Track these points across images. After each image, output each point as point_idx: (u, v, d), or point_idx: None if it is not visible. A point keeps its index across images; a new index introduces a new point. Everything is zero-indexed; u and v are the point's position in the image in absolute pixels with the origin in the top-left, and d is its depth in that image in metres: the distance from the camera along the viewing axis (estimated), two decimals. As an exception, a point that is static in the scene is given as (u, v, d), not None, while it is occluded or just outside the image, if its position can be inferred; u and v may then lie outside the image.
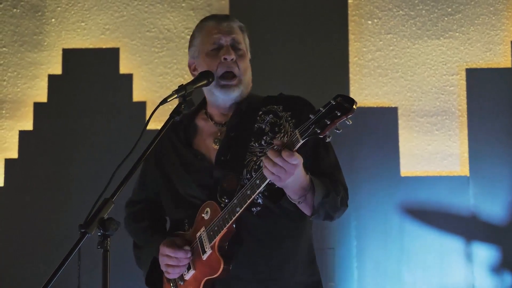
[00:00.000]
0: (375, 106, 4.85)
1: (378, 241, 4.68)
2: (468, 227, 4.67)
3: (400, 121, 4.83)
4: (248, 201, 2.30)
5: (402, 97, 4.89)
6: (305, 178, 2.29)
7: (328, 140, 2.12)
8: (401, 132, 4.82)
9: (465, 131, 4.79)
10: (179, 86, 2.36)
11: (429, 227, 4.68)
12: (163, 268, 2.54)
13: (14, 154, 4.88)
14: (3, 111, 4.97)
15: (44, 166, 4.84)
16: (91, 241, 2.09)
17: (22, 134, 4.88)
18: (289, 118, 2.49)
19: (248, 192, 2.30)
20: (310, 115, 2.10)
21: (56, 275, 2.01)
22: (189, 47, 2.69)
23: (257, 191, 2.28)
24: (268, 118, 2.53)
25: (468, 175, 4.73)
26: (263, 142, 2.48)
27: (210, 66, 2.54)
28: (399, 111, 4.84)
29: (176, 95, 2.32)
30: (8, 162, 4.86)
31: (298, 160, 2.16)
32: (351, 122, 2.06)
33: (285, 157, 2.13)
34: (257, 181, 2.27)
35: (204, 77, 2.46)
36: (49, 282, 2.01)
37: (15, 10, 5.05)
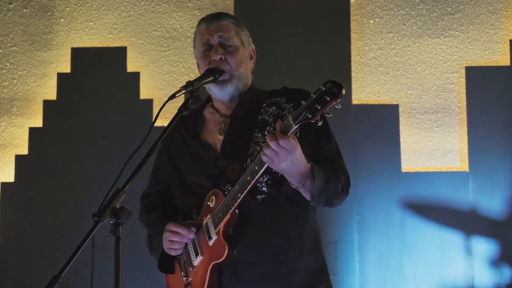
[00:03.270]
0: (376, 103, 4.91)
1: (379, 235, 4.72)
2: (468, 222, 4.71)
3: (401, 118, 4.88)
4: (248, 187, 2.37)
5: (403, 94, 4.94)
6: (304, 165, 2.36)
7: (319, 124, 2.19)
8: (402, 129, 4.87)
9: (465, 128, 4.84)
10: (186, 82, 2.44)
11: (429, 221, 4.72)
12: (165, 244, 2.63)
13: (24, 150, 4.92)
14: (14, 109, 5.02)
15: (54, 162, 4.87)
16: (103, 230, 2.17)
17: (32, 131, 4.92)
18: (292, 110, 2.53)
19: (248, 178, 2.38)
20: (302, 101, 2.18)
21: (70, 262, 2.07)
22: (194, 48, 2.81)
23: (256, 177, 2.35)
24: (271, 110, 2.61)
25: (467, 170, 4.78)
26: (266, 133, 2.54)
27: (204, 66, 2.65)
28: (400, 108, 4.89)
29: (184, 91, 2.42)
30: (19, 158, 4.89)
31: (291, 145, 2.24)
32: (340, 106, 2.14)
33: (279, 141, 2.22)
34: (256, 167, 2.35)
35: (211, 73, 2.56)
36: (63, 269, 2.06)
37: (25, 10, 5.11)
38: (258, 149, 2.52)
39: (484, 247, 4.69)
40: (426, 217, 4.74)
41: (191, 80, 2.48)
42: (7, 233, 4.83)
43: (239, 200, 2.42)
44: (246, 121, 2.64)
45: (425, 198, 4.78)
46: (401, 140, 4.85)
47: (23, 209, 4.86)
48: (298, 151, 2.29)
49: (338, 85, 2.14)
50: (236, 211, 2.47)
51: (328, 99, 2.13)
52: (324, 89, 2.14)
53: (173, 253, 2.65)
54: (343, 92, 2.13)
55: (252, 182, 2.37)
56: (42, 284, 2.02)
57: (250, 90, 2.73)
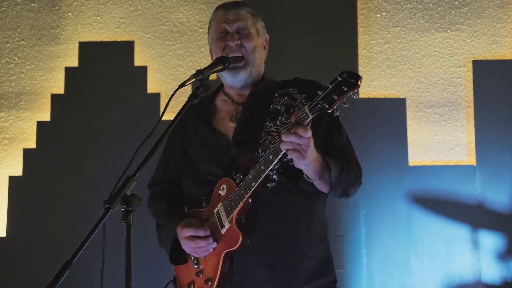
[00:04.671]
0: (383, 97, 4.91)
1: (386, 229, 4.72)
2: (475, 215, 4.71)
3: (408, 112, 4.87)
4: (263, 176, 2.39)
5: (410, 88, 4.94)
6: (319, 156, 2.39)
7: (336, 114, 2.21)
8: (409, 123, 4.86)
9: (472, 122, 4.83)
10: (196, 71, 2.46)
11: (436, 215, 4.71)
12: (188, 250, 2.64)
13: (32, 144, 4.93)
14: (22, 103, 5.03)
15: (61, 155, 4.88)
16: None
17: (40, 125, 4.93)
18: (304, 100, 2.55)
19: (262, 167, 2.39)
20: (318, 92, 2.19)
21: (82, 248, 2.09)
22: (208, 34, 2.83)
23: (271, 166, 2.36)
24: (283, 100, 2.62)
25: (474, 164, 4.77)
26: (278, 123, 2.56)
27: (218, 51, 2.68)
28: (407, 102, 4.89)
29: (194, 79, 2.44)
30: (27, 152, 4.90)
31: (310, 133, 2.25)
32: (357, 96, 2.16)
33: (299, 132, 2.22)
34: (270, 157, 2.36)
35: (220, 62, 2.58)
36: (75, 255, 2.09)
37: (32, 4, 5.12)
38: (269, 138, 2.53)
39: (491, 241, 4.68)
40: (433, 211, 4.73)
41: (201, 68, 2.49)
42: (15, 226, 4.83)
43: (252, 189, 2.43)
44: (258, 110, 2.65)
45: (432, 192, 4.77)
46: (408, 134, 4.84)
47: (31, 202, 4.86)
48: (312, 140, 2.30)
49: (355, 75, 2.15)
50: (249, 200, 2.48)
51: (345, 89, 2.14)
52: (340, 79, 2.16)
53: (200, 255, 2.64)
54: (360, 82, 2.14)
55: (267, 171, 2.38)
56: (49, 277, 2.03)
57: (262, 79, 2.75)
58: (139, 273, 4.53)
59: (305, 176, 2.43)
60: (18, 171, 4.91)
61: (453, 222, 4.72)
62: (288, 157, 2.31)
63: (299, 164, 2.33)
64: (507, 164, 4.76)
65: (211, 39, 2.77)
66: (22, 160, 4.91)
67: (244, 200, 2.46)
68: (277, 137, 2.42)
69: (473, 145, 4.82)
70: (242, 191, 2.47)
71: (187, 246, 2.63)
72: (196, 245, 2.59)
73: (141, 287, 4.47)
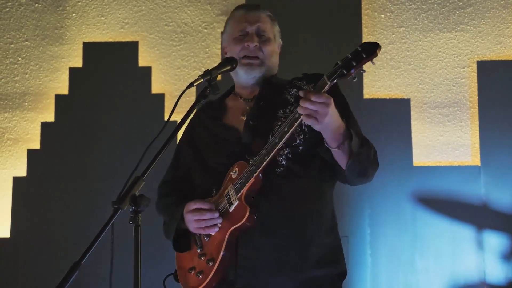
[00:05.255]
0: (388, 97, 4.90)
1: (391, 229, 4.71)
2: (480, 216, 4.69)
3: (412, 113, 4.86)
4: (276, 148, 2.40)
5: (414, 89, 4.93)
6: (341, 123, 2.39)
7: (354, 80, 2.24)
8: (414, 123, 4.85)
9: (476, 122, 4.82)
10: (205, 71, 2.46)
11: (441, 215, 4.70)
12: (191, 225, 2.61)
13: (36, 145, 4.92)
14: (26, 103, 5.03)
15: (66, 156, 4.87)
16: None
17: (44, 125, 4.92)
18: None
19: (276, 140, 2.41)
20: (337, 61, 2.24)
21: (91, 249, 2.10)
22: (223, 33, 2.87)
23: (285, 137, 2.38)
24: (293, 91, 2.64)
25: (479, 165, 4.76)
26: (287, 110, 2.57)
27: (235, 49, 2.71)
28: (412, 103, 4.88)
29: (202, 79, 2.44)
30: (31, 153, 4.89)
31: (328, 99, 2.27)
32: (375, 64, 2.20)
33: (314, 98, 2.25)
34: (285, 128, 2.38)
35: (228, 62, 2.60)
36: (84, 256, 2.09)
37: (37, 5, 5.12)
38: (279, 123, 2.52)
39: (496, 241, 4.67)
40: (437, 212, 4.72)
41: (209, 69, 2.49)
42: (19, 227, 4.83)
43: (265, 163, 2.44)
44: (270, 100, 2.67)
45: (436, 192, 4.76)
46: (412, 134, 4.83)
47: (35, 203, 4.85)
48: (333, 104, 2.31)
49: (374, 43, 2.21)
50: (260, 175, 2.48)
51: (364, 56, 2.19)
52: (360, 49, 2.21)
53: (205, 231, 2.61)
54: (379, 50, 2.19)
55: (281, 143, 2.40)
56: (53, 278, 2.03)
57: (274, 76, 2.79)
58: (143, 273, 4.52)
59: (325, 143, 2.43)
60: (22, 171, 4.91)
61: (458, 222, 4.70)
62: (303, 130, 2.34)
63: (319, 128, 2.34)
64: (511, 164, 4.75)
65: (228, 38, 2.80)
66: (26, 160, 4.90)
67: (255, 174, 2.47)
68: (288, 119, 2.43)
69: (477, 145, 4.81)
70: (254, 167, 2.47)
71: (191, 220, 2.61)
72: (200, 216, 2.57)
73: (141, 281, 4.49)
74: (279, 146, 2.40)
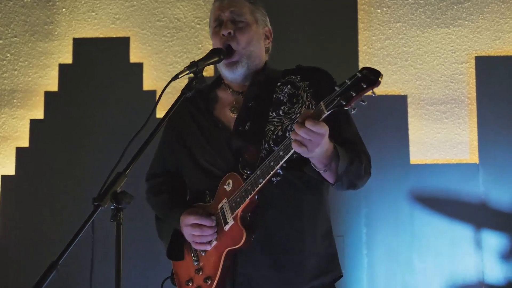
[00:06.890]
0: (384, 94, 4.84)
1: (388, 229, 4.67)
2: (478, 214, 4.67)
3: (409, 109, 4.82)
4: (271, 172, 2.32)
5: (411, 85, 4.89)
6: (330, 146, 2.30)
7: (353, 112, 2.11)
8: (411, 120, 4.81)
9: (475, 119, 4.78)
10: (190, 63, 2.38)
11: (439, 214, 4.67)
12: (189, 238, 2.56)
13: (25, 142, 4.89)
14: (15, 100, 4.99)
15: (55, 154, 4.85)
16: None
17: (33, 123, 4.89)
18: (307, 88, 2.52)
19: (272, 163, 2.32)
20: (335, 87, 2.11)
21: (69, 249, 2.07)
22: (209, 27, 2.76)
23: (281, 163, 2.29)
24: (286, 89, 2.56)
25: (477, 162, 4.73)
26: (281, 112, 2.50)
27: (216, 43, 2.61)
28: (409, 99, 4.84)
29: (188, 71, 2.35)
30: (19, 150, 4.87)
31: (323, 129, 2.16)
32: (376, 94, 2.07)
33: (311, 127, 2.13)
34: (281, 153, 2.29)
35: (216, 54, 2.51)
36: (61, 256, 2.07)
37: (26, 0, 5.08)
38: (272, 129, 2.46)
39: (494, 240, 4.64)
40: (435, 210, 4.70)
41: (195, 60, 2.41)
42: (7, 225, 4.81)
43: (260, 186, 2.37)
44: (260, 100, 2.58)
45: (434, 190, 4.73)
46: (409, 131, 4.80)
47: (23, 201, 4.83)
48: (327, 134, 2.22)
49: (376, 72, 2.06)
50: (256, 197, 2.41)
51: (364, 86, 2.05)
52: (360, 75, 2.07)
53: (198, 247, 2.57)
54: (381, 79, 2.04)
55: (276, 168, 2.31)
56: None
57: (264, 69, 2.67)
58: (136, 270, 4.48)
59: (312, 164, 2.35)
60: (10, 170, 4.88)
61: (456, 221, 4.67)
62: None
63: (305, 155, 2.25)
64: (510, 162, 4.72)
65: (210, 33, 2.70)
66: (14, 159, 4.87)
67: (250, 196, 2.40)
68: (279, 127, 2.37)
69: (475, 143, 4.77)
70: (249, 187, 2.40)
71: (189, 234, 2.55)
72: (201, 232, 2.50)
73: (138, 284, 4.45)
74: (274, 170, 2.32)
